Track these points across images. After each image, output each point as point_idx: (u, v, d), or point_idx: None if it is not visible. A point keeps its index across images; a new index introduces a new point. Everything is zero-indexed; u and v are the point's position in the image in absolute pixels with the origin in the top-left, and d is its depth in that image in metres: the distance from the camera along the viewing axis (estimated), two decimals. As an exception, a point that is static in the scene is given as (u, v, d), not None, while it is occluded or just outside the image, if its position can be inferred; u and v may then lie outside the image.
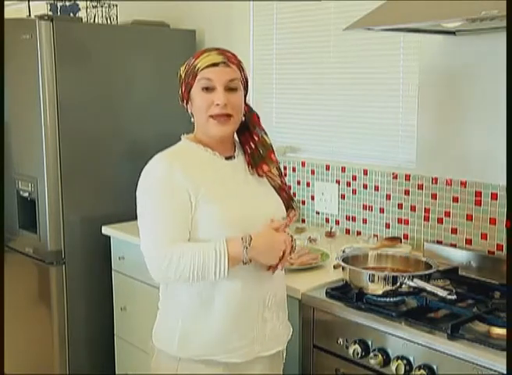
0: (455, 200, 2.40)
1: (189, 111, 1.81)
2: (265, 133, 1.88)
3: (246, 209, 1.77)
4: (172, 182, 1.69)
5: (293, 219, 1.93)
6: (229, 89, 1.74)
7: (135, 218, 1.78)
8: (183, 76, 1.79)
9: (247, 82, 1.82)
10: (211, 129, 1.76)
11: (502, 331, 1.71)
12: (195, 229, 1.72)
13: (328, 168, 2.83)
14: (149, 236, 1.71)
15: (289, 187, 1.94)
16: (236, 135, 1.88)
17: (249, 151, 1.86)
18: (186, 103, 1.81)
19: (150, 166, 1.75)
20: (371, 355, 1.85)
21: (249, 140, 1.86)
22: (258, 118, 1.88)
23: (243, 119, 1.83)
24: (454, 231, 2.41)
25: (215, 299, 1.74)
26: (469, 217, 2.36)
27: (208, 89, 1.73)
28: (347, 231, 2.79)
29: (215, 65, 1.73)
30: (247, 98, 1.87)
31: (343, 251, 2.31)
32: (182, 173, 1.70)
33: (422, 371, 1.73)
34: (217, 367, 1.77)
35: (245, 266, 1.71)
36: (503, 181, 2.18)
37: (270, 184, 1.89)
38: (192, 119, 1.81)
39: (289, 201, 1.92)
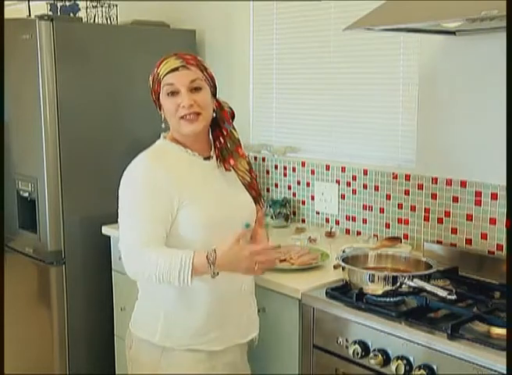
0: (455, 200, 2.40)
1: (162, 116, 1.88)
2: (234, 128, 1.95)
3: (225, 211, 1.85)
4: (155, 182, 1.75)
5: (263, 217, 2.02)
6: (193, 89, 1.82)
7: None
8: (150, 84, 1.87)
9: (212, 79, 1.88)
10: (183, 129, 1.83)
11: (502, 331, 1.71)
12: (176, 229, 1.79)
13: (328, 168, 2.83)
14: (127, 233, 1.77)
15: (258, 183, 2.06)
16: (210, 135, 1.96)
17: (218, 146, 1.93)
18: (160, 109, 1.89)
19: (133, 166, 1.81)
20: (371, 355, 1.85)
21: (219, 135, 1.93)
22: (230, 114, 1.95)
23: (214, 115, 1.90)
24: (454, 231, 2.41)
25: (197, 290, 1.80)
26: (469, 217, 2.36)
27: (173, 93, 1.81)
28: (347, 231, 2.79)
29: (174, 70, 1.81)
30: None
31: (343, 251, 2.31)
32: (165, 174, 1.77)
33: (422, 371, 1.73)
34: (199, 355, 1.85)
35: None
36: (502, 181, 2.18)
37: (240, 182, 1.97)
38: (163, 125, 1.87)
39: (256, 198, 1.99)
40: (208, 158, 1.91)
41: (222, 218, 1.83)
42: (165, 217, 1.76)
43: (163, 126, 1.88)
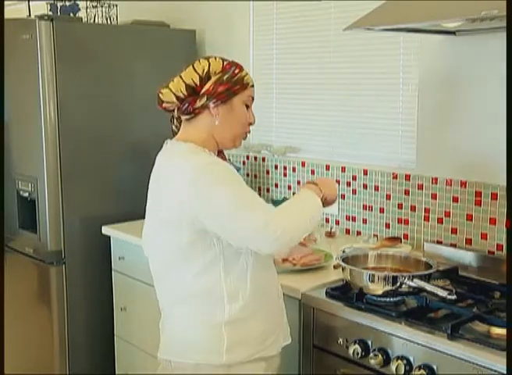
0: (455, 200, 2.40)
1: (211, 110, 1.75)
2: None
3: None
4: (234, 172, 1.74)
5: None
6: None
7: (135, 218, 1.78)
8: (223, 77, 1.75)
9: None
10: (237, 142, 1.86)
11: (502, 331, 1.71)
12: None
13: (328, 168, 2.83)
14: (252, 213, 1.66)
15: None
16: None
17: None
18: (218, 102, 1.75)
19: (207, 171, 1.68)
20: (371, 355, 1.85)
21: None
22: None
23: None
24: (454, 231, 2.41)
25: (252, 299, 1.76)
26: (469, 217, 2.36)
27: (247, 106, 1.83)
28: (347, 231, 2.79)
29: (253, 86, 1.85)
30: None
31: (343, 251, 2.31)
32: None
33: (422, 371, 1.73)
34: (260, 363, 1.80)
35: (268, 261, 1.85)
36: (503, 181, 2.18)
37: None
38: (216, 122, 1.77)
39: None
40: None
41: None
42: None
43: (217, 122, 1.77)
